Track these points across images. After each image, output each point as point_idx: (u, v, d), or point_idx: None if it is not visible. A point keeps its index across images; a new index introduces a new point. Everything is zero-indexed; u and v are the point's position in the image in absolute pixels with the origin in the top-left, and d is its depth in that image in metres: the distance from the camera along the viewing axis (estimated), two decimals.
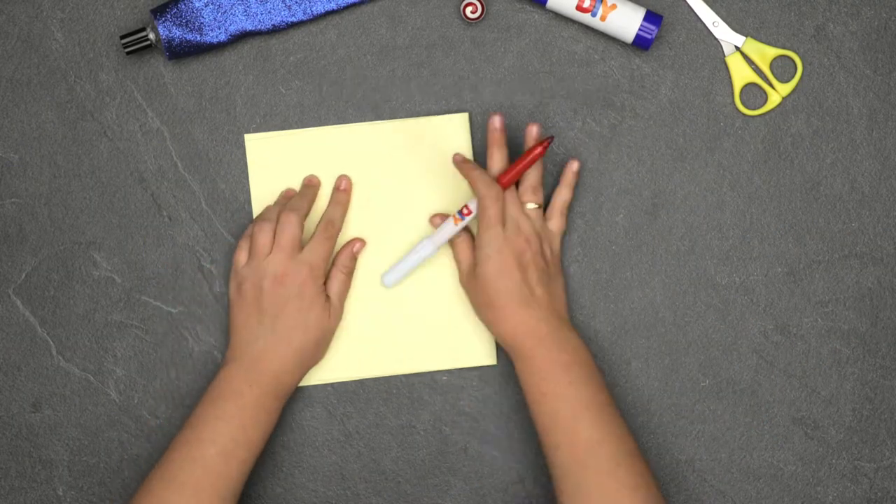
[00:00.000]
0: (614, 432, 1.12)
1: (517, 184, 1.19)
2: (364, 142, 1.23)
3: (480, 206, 1.16)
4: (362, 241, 1.22)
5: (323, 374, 1.23)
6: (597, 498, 1.10)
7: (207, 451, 1.12)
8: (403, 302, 1.23)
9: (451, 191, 1.23)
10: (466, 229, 1.22)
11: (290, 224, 1.17)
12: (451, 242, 1.22)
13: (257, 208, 1.23)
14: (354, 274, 1.23)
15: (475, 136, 1.24)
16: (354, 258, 1.22)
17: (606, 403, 1.14)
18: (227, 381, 1.15)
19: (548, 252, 1.19)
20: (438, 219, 1.22)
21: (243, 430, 1.14)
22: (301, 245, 1.18)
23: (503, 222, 1.16)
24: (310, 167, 1.23)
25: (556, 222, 1.21)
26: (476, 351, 1.23)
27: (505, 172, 1.17)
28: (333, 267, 1.21)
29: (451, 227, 1.19)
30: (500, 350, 1.24)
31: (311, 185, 1.22)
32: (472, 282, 1.18)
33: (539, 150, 1.16)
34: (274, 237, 1.17)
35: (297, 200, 1.20)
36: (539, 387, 1.14)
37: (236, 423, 1.13)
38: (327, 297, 1.19)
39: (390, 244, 1.23)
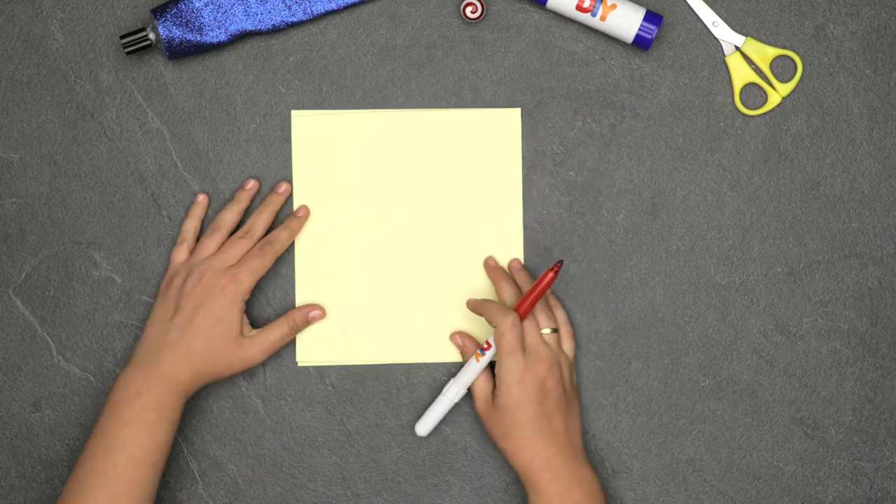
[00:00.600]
0: None
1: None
2: (411, 128, 1.23)
3: (497, 334, 1.15)
4: (322, 312, 1.22)
5: (345, 355, 1.22)
6: None
7: (117, 460, 1.11)
8: (420, 292, 1.23)
9: (494, 185, 1.23)
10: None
11: (238, 246, 1.19)
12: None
13: (298, 186, 1.23)
14: (377, 258, 1.22)
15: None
16: (308, 322, 1.21)
17: None
18: (126, 383, 1.14)
19: (567, 377, 1.18)
20: (458, 338, 1.22)
21: (149, 434, 1.12)
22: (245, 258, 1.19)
23: (523, 349, 1.15)
24: (354, 149, 1.23)
25: (567, 344, 1.20)
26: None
27: (520, 303, 1.16)
28: (284, 317, 1.20)
29: (474, 367, 1.18)
30: None
31: (273, 197, 1.22)
32: (490, 411, 1.17)
33: (551, 275, 1.15)
34: (218, 247, 1.20)
35: (254, 220, 1.20)
36: None
37: (141, 427, 1.12)
38: (252, 329, 1.19)
39: (431, 235, 1.23)
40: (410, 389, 1.24)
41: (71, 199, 1.23)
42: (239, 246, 1.19)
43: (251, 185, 1.22)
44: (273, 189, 1.23)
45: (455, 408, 1.23)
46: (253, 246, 1.20)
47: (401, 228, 1.23)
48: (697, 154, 1.24)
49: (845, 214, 1.24)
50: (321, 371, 1.23)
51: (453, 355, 1.23)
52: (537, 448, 1.14)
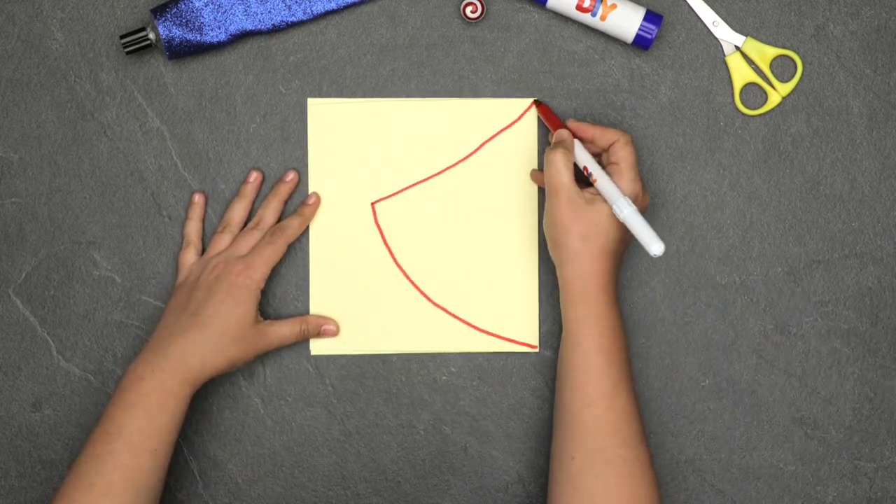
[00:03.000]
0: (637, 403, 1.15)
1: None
2: (427, 117, 1.23)
3: (629, 149, 1.15)
4: (335, 329, 1.22)
5: (358, 346, 1.23)
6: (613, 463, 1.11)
7: (114, 446, 1.10)
8: (435, 282, 1.23)
9: (509, 175, 1.23)
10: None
11: (249, 238, 1.19)
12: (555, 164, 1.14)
13: (314, 174, 1.23)
14: (391, 248, 1.23)
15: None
16: (319, 333, 1.22)
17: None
18: (130, 371, 1.13)
19: None
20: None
21: (149, 419, 1.11)
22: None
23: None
24: (370, 137, 1.23)
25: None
26: (520, 332, 1.23)
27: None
28: (299, 318, 1.21)
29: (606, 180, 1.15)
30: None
31: (280, 186, 1.23)
32: (578, 207, 1.12)
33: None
34: (230, 243, 1.20)
35: (263, 211, 1.21)
36: (597, 339, 1.12)
37: (140, 411, 1.11)
38: (267, 320, 1.19)
39: (445, 225, 1.23)
40: (410, 389, 1.24)
41: (71, 199, 1.23)
42: (250, 237, 1.19)
43: (254, 177, 1.22)
44: (281, 178, 1.23)
45: (454, 408, 1.23)
46: (264, 235, 1.20)
47: (415, 218, 1.23)
48: (697, 154, 1.24)
49: (845, 214, 1.24)
50: (321, 371, 1.23)
51: (468, 346, 1.23)
52: (606, 261, 1.13)
